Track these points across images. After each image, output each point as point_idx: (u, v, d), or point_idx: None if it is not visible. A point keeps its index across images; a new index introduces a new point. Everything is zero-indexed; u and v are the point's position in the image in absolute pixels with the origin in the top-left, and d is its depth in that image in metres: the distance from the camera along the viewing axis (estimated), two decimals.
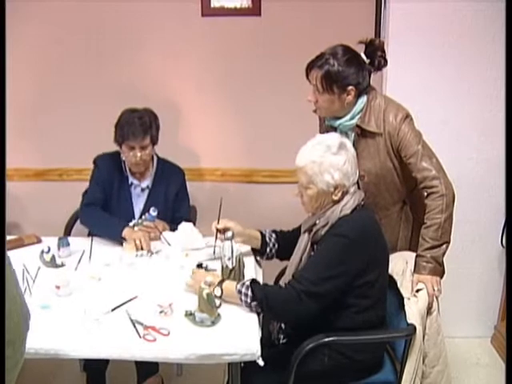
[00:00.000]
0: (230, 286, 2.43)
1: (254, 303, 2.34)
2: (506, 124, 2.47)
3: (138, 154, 3.19)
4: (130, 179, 3.36)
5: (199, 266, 2.70)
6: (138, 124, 3.16)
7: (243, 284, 2.39)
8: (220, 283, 2.44)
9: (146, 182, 3.37)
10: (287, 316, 2.40)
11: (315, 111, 2.80)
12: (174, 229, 3.13)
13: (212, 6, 3.83)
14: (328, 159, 2.36)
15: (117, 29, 3.86)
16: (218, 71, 3.90)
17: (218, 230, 2.78)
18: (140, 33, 3.85)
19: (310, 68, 2.68)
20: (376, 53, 2.70)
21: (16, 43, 3.83)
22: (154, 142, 3.27)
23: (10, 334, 1.41)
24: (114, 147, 3.30)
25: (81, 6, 3.81)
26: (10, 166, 4.08)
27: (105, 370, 3.15)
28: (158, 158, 3.42)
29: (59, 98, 4.00)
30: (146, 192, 3.38)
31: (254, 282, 2.41)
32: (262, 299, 2.33)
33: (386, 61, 2.74)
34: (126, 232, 3.08)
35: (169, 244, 2.98)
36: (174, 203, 3.36)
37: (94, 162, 3.39)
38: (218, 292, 2.41)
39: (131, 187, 3.36)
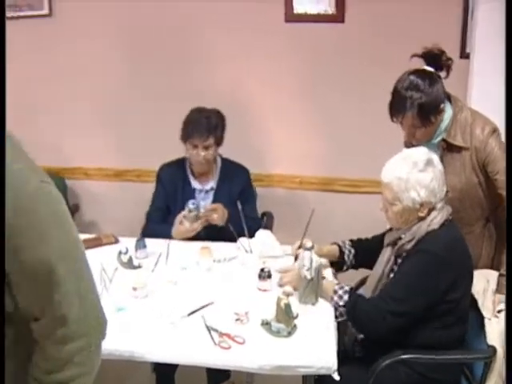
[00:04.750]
0: (330, 284, 2.52)
1: (342, 308, 2.38)
2: (506, 125, 2.38)
3: (201, 154, 3.20)
4: (193, 185, 3.38)
5: (262, 269, 2.65)
6: (204, 123, 3.18)
7: (342, 287, 2.45)
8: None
9: (210, 184, 3.38)
10: (369, 331, 2.42)
11: (409, 145, 2.71)
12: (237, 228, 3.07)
13: (295, 12, 3.80)
14: (414, 176, 2.31)
15: (196, 28, 3.89)
16: (300, 77, 3.87)
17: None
18: (221, 35, 3.87)
19: (396, 114, 2.59)
20: (440, 59, 2.61)
21: (86, 42, 3.96)
22: (219, 143, 3.27)
23: (85, 338, 1.40)
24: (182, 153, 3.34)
25: (162, 3, 3.86)
26: (92, 165, 4.16)
27: (173, 373, 3.14)
28: (222, 158, 3.42)
29: (139, 103, 4.06)
30: (211, 194, 3.38)
31: (352, 289, 2.46)
32: (350, 309, 2.36)
33: (452, 60, 2.64)
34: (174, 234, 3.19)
35: (246, 251, 2.95)
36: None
37: (158, 174, 3.45)
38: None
39: (195, 192, 3.37)
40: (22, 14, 4.09)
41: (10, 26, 3.98)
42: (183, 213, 3.15)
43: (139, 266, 2.85)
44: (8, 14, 4.07)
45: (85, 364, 1.41)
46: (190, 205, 3.14)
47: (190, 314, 2.38)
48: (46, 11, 4.04)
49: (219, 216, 3.17)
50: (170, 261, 2.94)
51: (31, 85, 4.14)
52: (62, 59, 4.07)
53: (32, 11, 4.08)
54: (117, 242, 3.21)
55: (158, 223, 3.33)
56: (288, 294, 2.30)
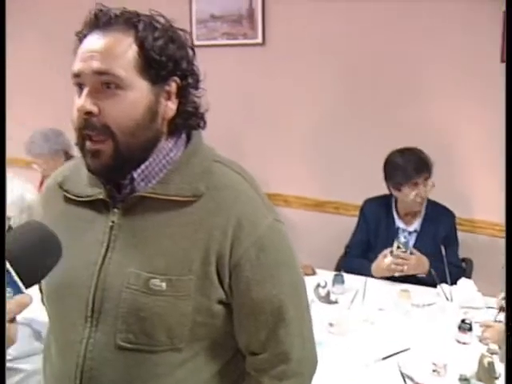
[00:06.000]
0: None
1: None
2: (506, 125, 2.09)
3: (423, 189, 3.16)
4: (397, 223, 3.33)
5: (463, 321, 2.54)
6: (418, 159, 3.15)
7: None
8: None
9: (414, 226, 3.32)
10: None
11: None
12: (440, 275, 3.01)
13: None
14: None
15: (411, 62, 3.83)
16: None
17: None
18: (435, 71, 3.79)
19: None
20: None
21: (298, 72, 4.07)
22: (429, 178, 3.21)
23: (301, 378, 1.42)
24: (385, 188, 3.32)
25: (380, 37, 3.88)
26: (291, 192, 4.25)
27: None
28: (428, 200, 3.34)
29: (344, 134, 4.08)
30: (414, 236, 3.31)
31: None
32: None
33: None
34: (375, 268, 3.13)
35: (447, 298, 2.86)
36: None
37: (361, 208, 3.46)
38: None
39: (398, 231, 3.32)
40: (236, 42, 4.27)
41: (224, 54, 4.21)
42: (391, 248, 3.09)
43: (336, 302, 2.87)
44: (224, 41, 4.28)
45: None
46: (402, 238, 3.11)
47: (384, 358, 2.35)
48: (259, 40, 4.17)
49: (417, 271, 3.11)
50: (367, 299, 2.92)
51: (243, 112, 4.31)
52: (274, 87, 4.20)
53: (246, 40, 4.24)
54: (314, 273, 3.24)
55: (358, 258, 3.32)
56: (493, 353, 2.20)
